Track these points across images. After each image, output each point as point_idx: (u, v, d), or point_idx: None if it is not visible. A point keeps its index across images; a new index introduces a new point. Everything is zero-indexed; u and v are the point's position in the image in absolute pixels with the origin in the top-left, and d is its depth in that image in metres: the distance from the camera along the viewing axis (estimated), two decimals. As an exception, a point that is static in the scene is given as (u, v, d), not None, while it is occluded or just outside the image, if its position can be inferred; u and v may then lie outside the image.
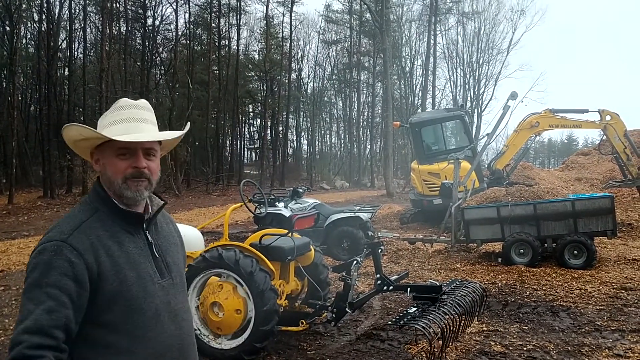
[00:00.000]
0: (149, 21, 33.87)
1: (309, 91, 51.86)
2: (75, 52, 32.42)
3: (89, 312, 1.71)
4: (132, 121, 1.87)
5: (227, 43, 38.09)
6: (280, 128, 45.26)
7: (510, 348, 5.19)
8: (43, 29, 28.75)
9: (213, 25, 35.13)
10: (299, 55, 50.25)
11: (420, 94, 45.92)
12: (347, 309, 5.23)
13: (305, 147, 54.30)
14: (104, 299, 1.72)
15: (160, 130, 1.99)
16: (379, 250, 5.74)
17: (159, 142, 1.97)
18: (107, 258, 1.74)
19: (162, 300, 1.84)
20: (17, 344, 1.58)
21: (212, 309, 4.93)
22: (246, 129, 52.48)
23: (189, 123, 2.12)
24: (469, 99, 49.11)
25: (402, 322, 4.56)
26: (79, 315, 1.68)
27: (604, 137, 14.30)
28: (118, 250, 1.78)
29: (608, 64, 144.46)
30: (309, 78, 52.64)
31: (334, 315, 5.31)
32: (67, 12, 30.70)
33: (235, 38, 37.65)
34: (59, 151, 28.83)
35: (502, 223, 9.28)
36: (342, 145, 56.03)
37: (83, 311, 1.69)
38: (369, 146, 51.59)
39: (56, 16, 30.54)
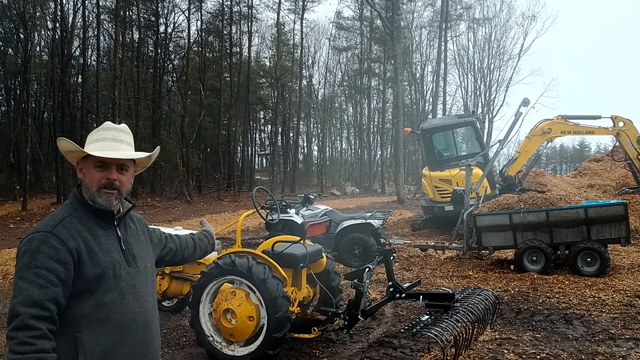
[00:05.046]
0: (162, 29, 34.21)
1: (319, 97, 52.02)
2: (89, 60, 32.68)
3: (74, 289, 2.07)
4: (111, 141, 2.26)
5: (238, 50, 38.24)
6: (291, 134, 45.35)
7: (524, 356, 5.17)
8: (57, 36, 29.00)
9: (225, 32, 35.31)
10: (310, 61, 50.52)
11: (431, 100, 45.97)
12: (359, 316, 5.23)
13: (315, 153, 54.37)
14: (84, 279, 2.08)
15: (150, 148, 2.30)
16: (391, 258, 5.74)
17: (134, 160, 2.36)
18: (84, 246, 2.11)
19: (128, 284, 2.21)
20: (17, 315, 1.93)
21: (225, 315, 4.96)
22: (257, 136, 52.65)
23: (158, 147, 2.59)
24: (480, 105, 48.91)
25: (414, 330, 4.56)
26: (66, 292, 2.04)
27: (617, 143, 14.23)
28: (93, 240, 2.15)
29: (621, 70, 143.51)
30: (319, 84, 52.88)
31: (346, 322, 5.31)
32: (80, 20, 31.05)
33: (247, 45, 37.81)
34: (72, 157, 29.00)
35: (514, 230, 9.25)
36: (353, 151, 56.11)
37: (69, 289, 2.05)
38: (379, 152, 51.55)
39: (70, 24, 30.87)
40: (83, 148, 2.23)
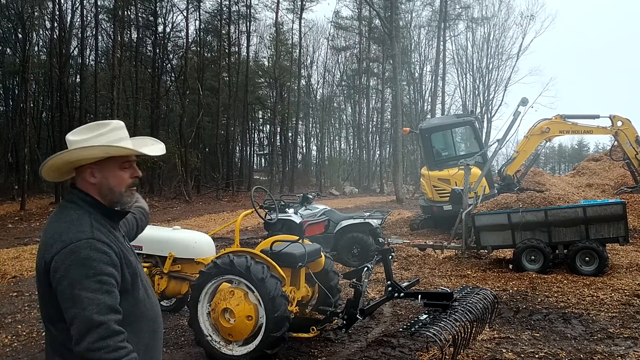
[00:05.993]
0: (160, 28, 34.24)
1: (318, 97, 52.04)
2: (87, 60, 32.70)
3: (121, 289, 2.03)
4: (128, 139, 2.15)
5: (237, 50, 38.28)
6: (290, 134, 45.40)
7: (522, 355, 5.17)
8: (55, 36, 29.04)
9: (223, 32, 35.31)
10: (309, 61, 50.57)
11: (429, 100, 45.93)
12: (357, 316, 5.23)
13: (314, 153, 54.45)
14: (125, 279, 2.04)
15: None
16: (390, 257, 5.74)
17: None
18: (118, 248, 2.06)
19: (144, 279, 2.23)
20: (99, 324, 1.84)
21: (224, 315, 4.95)
22: (256, 135, 52.69)
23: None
24: (478, 104, 48.99)
25: (413, 329, 4.56)
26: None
27: (615, 143, 14.25)
28: (117, 241, 2.09)
29: (620, 69, 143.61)
30: (318, 84, 52.91)
31: (344, 321, 5.31)
32: (78, 19, 31.09)
33: (245, 45, 37.85)
34: (70, 157, 28.97)
35: (513, 229, 9.25)
36: (352, 151, 56.08)
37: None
38: (378, 152, 51.61)
39: (68, 24, 30.84)
40: (65, 151, 2.05)
